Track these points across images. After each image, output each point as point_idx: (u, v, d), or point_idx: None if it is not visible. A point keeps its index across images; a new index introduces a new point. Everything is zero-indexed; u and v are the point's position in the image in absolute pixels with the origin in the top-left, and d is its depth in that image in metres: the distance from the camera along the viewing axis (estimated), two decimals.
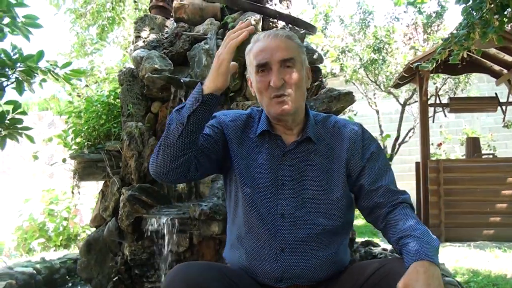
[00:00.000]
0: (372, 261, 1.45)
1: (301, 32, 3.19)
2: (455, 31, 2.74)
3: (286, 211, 1.42)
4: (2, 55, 2.27)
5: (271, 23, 3.10)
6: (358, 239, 3.36)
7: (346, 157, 1.46)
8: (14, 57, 2.30)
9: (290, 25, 3.17)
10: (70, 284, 3.27)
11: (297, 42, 1.49)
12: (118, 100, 2.96)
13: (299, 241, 1.40)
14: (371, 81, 8.13)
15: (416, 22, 7.28)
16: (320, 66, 5.94)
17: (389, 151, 8.30)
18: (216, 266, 1.40)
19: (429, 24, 6.61)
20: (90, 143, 2.88)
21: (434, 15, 6.59)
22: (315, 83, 2.95)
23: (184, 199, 2.75)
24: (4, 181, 10.77)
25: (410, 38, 7.77)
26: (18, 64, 2.34)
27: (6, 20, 2.18)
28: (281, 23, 3.11)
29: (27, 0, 2.38)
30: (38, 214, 5.37)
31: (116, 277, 2.55)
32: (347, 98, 2.65)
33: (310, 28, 3.27)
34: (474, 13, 2.57)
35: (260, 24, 3.03)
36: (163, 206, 2.53)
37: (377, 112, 8.56)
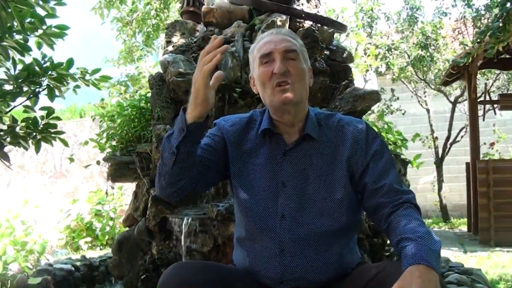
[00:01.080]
0: (374, 265, 1.41)
1: (330, 31, 3.14)
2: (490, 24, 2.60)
3: (286, 211, 1.40)
4: (34, 64, 2.40)
5: (297, 23, 3.08)
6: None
7: (348, 156, 1.42)
8: (44, 65, 2.43)
9: (318, 25, 3.14)
10: (111, 282, 3.39)
11: (299, 42, 1.50)
12: (149, 104, 3.05)
13: (299, 242, 1.38)
14: (420, 79, 7.85)
15: (464, 16, 6.95)
16: (362, 64, 5.85)
17: (440, 151, 7.98)
18: (212, 266, 1.40)
19: (479, 18, 6.29)
20: (122, 145, 2.98)
21: (483, 8, 6.26)
22: (343, 82, 2.90)
23: (212, 200, 2.79)
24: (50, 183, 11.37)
25: (459, 33, 7.43)
26: (50, 72, 2.47)
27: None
28: (308, 23, 3.08)
29: (65, 11, 2.50)
30: (85, 214, 5.61)
31: (144, 275, 2.63)
32: (373, 97, 2.58)
33: (339, 27, 3.22)
34: (509, 4, 2.43)
35: (287, 25, 3.03)
36: (188, 207, 2.58)
37: (428, 111, 8.25)
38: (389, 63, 7.58)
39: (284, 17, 3.01)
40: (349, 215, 1.43)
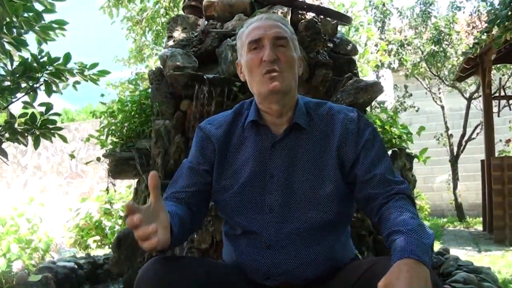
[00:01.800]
0: (366, 260, 1.34)
1: (333, 22, 3.07)
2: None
3: (274, 205, 1.33)
4: (31, 59, 2.39)
5: (300, 15, 3.01)
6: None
7: (338, 145, 1.35)
8: (42, 60, 2.41)
9: (321, 16, 3.06)
10: (115, 280, 3.36)
11: (290, 29, 1.43)
12: (149, 100, 3.01)
13: (286, 237, 1.32)
14: (434, 75, 7.70)
15: (479, 10, 6.78)
16: (373, 60, 5.75)
17: (455, 149, 7.82)
18: (192, 261, 1.36)
19: (493, 11, 6.11)
20: (122, 142, 2.95)
21: (497, 1, 6.09)
22: (346, 75, 2.82)
23: None
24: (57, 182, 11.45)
25: (473, 28, 7.26)
26: (47, 67, 2.45)
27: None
28: (311, 15, 3.01)
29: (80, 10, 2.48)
30: (95, 213, 5.62)
31: None
32: (375, 89, 2.50)
33: (343, 19, 3.14)
34: None
35: (289, 16, 2.96)
36: None
37: (442, 108, 8.09)
38: (402, 59, 7.45)
39: (285, 9, 2.94)
40: (340, 208, 1.35)
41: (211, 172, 1.40)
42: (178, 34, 3.22)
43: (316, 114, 1.41)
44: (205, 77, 2.65)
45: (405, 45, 7.35)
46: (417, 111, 7.74)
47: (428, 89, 8.10)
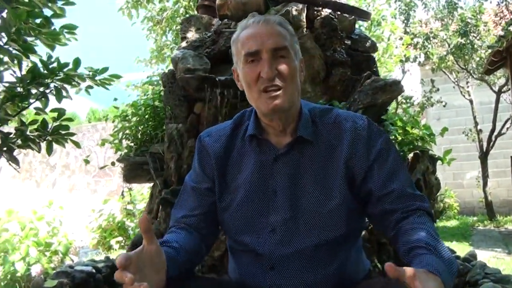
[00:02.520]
0: (376, 282, 1.24)
1: (350, 19, 2.95)
2: None
3: (277, 224, 1.24)
4: (40, 66, 2.36)
5: (315, 12, 2.91)
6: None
7: (346, 157, 1.24)
8: (51, 66, 2.38)
9: (338, 13, 2.95)
10: None
11: (290, 30, 1.30)
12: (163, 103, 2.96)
13: (291, 257, 1.22)
14: (462, 68, 7.43)
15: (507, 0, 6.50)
16: (397, 54, 5.58)
17: (484, 144, 7.55)
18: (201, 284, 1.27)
19: None
20: (136, 146, 2.91)
21: None
22: (365, 74, 2.70)
23: None
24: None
25: (501, 18, 6.96)
26: (57, 73, 2.42)
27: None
28: (327, 11, 2.90)
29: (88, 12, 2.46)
30: (117, 213, 5.65)
31: None
32: (394, 88, 2.38)
33: (361, 14, 3.02)
34: None
35: (304, 14, 2.86)
36: None
37: (471, 102, 7.82)
38: (428, 52, 7.22)
39: (300, 6, 2.84)
40: (349, 224, 1.24)
41: (214, 189, 1.32)
42: (192, 35, 3.16)
43: (321, 123, 1.30)
44: (217, 79, 2.57)
45: (431, 38, 7.11)
46: (444, 106, 7.50)
47: (456, 83, 7.84)
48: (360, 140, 1.25)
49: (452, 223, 7.00)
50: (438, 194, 7.49)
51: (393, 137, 2.36)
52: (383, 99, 2.38)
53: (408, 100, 7.29)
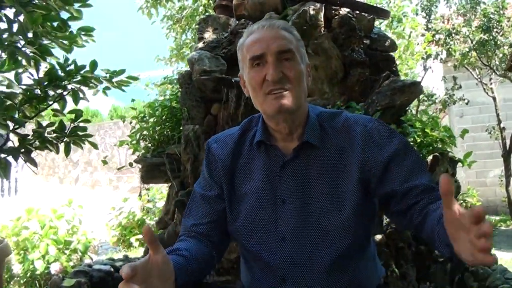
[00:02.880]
0: None
1: (369, 17, 2.89)
2: None
3: (287, 233, 1.21)
4: (57, 68, 2.38)
5: (333, 11, 2.86)
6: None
7: (360, 160, 1.20)
8: (68, 68, 2.40)
9: (357, 12, 2.90)
10: None
11: (296, 35, 1.28)
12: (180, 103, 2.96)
13: (302, 269, 1.19)
14: (484, 64, 7.25)
15: None
16: (418, 52, 5.46)
17: (508, 142, 7.35)
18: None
19: None
20: (154, 147, 2.92)
21: None
22: (383, 74, 2.65)
23: None
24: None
25: None
26: (74, 75, 2.44)
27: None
28: (345, 10, 2.85)
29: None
30: (137, 211, 5.70)
31: None
32: (413, 90, 2.32)
33: (380, 13, 2.96)
34: None
35: (322, 13, 2.82)
36: None
37: (494, 99, 7.62)
38: (450, 49, 7.05)
39: (318, 5, 2.80)
40: (360, 232, 1.22)
41: (223, 196, 1.30)
42: (209, 35, 3.15)
43: (330, 127, 1.28)
44: (233, 80, 2.56)
45: (453, 34, 6.95)
46: (467, 103, 7.33)
47: (479, 79, 7.65)
48: (373, 143, 1.22)
49: None
50: (460, 194, 7.33)
51: (412, 139, 2.31)
52: (401, 101, 2.33)
53: (430, 98, 7.15)
